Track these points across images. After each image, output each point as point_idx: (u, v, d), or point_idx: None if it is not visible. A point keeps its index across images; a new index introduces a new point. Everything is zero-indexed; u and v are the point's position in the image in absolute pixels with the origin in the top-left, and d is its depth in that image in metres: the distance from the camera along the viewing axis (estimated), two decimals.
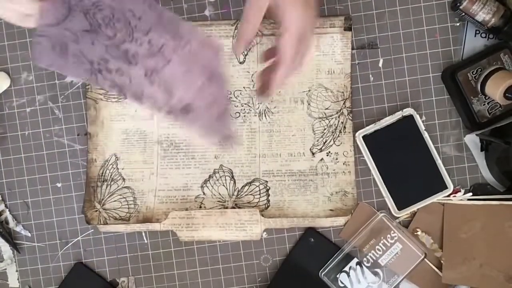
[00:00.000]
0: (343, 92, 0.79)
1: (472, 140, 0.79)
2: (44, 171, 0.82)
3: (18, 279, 0.82)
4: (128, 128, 0.81)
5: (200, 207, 0.81)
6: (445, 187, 0.79)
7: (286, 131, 0.80)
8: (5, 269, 0.82)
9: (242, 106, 0.80)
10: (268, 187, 0.80)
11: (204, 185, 0.81)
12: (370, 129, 0.79)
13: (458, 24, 0.79)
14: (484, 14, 0.75)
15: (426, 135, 0.78)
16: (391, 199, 0.79)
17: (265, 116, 0.80)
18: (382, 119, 0.78)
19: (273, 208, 0.80)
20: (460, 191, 0.80)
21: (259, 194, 0.80)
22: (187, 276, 0.82)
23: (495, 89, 0.73)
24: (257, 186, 0.80)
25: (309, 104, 0.80)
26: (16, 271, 0.82)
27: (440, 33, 0.79)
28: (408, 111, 0.78)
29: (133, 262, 0.82)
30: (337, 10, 0.80)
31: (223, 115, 0.65)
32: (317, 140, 0.80)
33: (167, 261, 0.82)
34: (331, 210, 0.80)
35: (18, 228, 0.82)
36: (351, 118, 0.79)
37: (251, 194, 0.80)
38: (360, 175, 0.80)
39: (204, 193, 0.81)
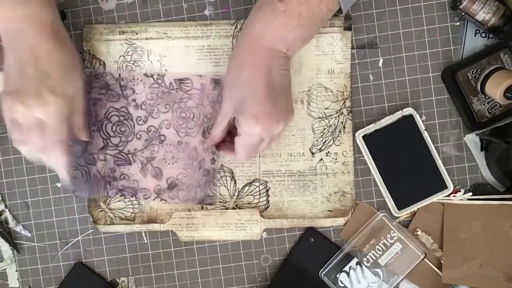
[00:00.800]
0: (343, 92, 0.79)
1: (472, 139, 0.79)
2: (44, 171, 0.82)
3: (18, 279, 0.82)
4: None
5: (203, 207, 0.81)
6: (445, 187, 0.79)
7: (286, 131, 0.80)
8: (5, 269, 0.82)
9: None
10: (268, 188, 0.80)
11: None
12: (370, 128, 0.79)
13: (458, 23, 0.79)
14: (484, 14, 0.75)
15: (426, 135, 0.78)
16: (391, 199, 0.79)
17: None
18: (382, 119, 0.78)
19: (273, 209, 0.80)
20: (460, 191, 0.80)
21: (259, 194, 0.80)
22: (187, 276, 0.82)
23: (495, 89, 0.73)
24: (257, 187, 0.80)
25: (309, 103, 0.80)
26: (16, 271, 0.82)
27: (440, 33, 0.79)
28: (408, 110, 0.78)
29: (133, 262, 0.82)
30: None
31: (206, 180, 0.80)
32: (317, 140, 0.80)
33: (167, 261, 0.82)
34: (329, 210, 0.80)
35: (18, 228, 0.82)
36: (350, 118, 0.79)
37: (251, 195, 0.80)
38: (360, 175, 0.80)
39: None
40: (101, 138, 0.80)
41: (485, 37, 0.79)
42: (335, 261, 0.79)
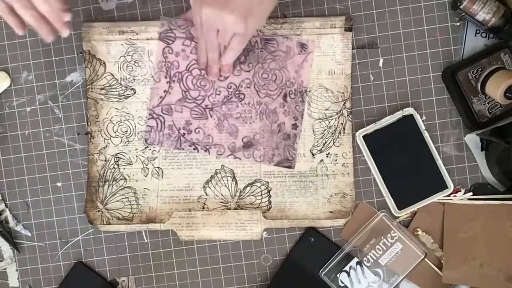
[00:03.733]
0: (343, 93, 0.79)
1: (472, 139, 0.79)
2: (44, 170, 0.82)
3: (18, 278, 0.82)
4: (129, 129, 0.81)
5: (203, 208, 0.81)
6: (445, 187, 0.79)
7: None
8: (5, 268, 0.82)
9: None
10: (269, 188, 0.80)
11: (206, 185, 0.81)
12: (370, 128, 0.79)
13: (458, 23, 0.80)
14: (485, 14, 0.75)
15: (426, 135, 0.78)
16: (391, 198, 0.79)
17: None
18: (382, 119, 0.78)
19: (275, 210, 0.80)
20: (460, 190, 0.80)
21: (261, 195, 0.80)
22: (187, 276, 0.82)
23: (495, 89, 0.73)
24: (258, 187, 0.80)
25: (309, 104, 0.80)
26: (16, 270, 0.82)
27: (440, 33, 0.80)
28: (408, 110, 0.78)
29: (133, 261, 0.82)
30: (337, 10, 0.80)
31: (285, 145, 0.79)
32: (317, 141, 0.80)
33: (167, 261, 0.82)
34: (330, 212, 0.80)
35: (18, 228, 0.82)
36: (350, 119, 0.79)
37: (252, 195, 0.80)
38: (360, 175, 0.80)
39: (206, 194, 0.81)
40: (180, 89, 0.79)
41: (486, 37, 0.79)
42: (335, 261, 0.79)
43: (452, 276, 0.79)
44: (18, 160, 0.82)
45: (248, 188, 0.80)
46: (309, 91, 0.80)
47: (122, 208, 0.81)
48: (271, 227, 0.80)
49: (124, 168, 0.81)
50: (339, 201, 0.80)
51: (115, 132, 0.81)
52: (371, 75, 0.80)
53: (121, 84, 0.80)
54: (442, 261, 0.79)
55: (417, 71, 0.80)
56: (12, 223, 0.82)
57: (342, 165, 0.80)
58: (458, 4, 0.76)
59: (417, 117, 0.78)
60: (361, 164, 0.80)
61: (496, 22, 0.75)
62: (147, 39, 0.79)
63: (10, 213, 0.82)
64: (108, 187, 0.81)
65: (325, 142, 0.80)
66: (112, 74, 0.80)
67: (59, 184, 0.82)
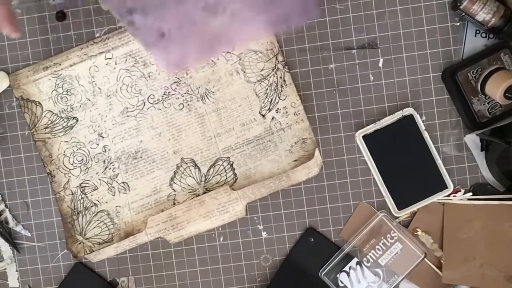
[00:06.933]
0: (272, 49, 0.80)
1: (472, 140, 0.79)
2: (44, 170, 0.82)
3: (18, 279, 0.82)
4: (85, 156, 0.81)
5: (174, 203, 0.81)
6: (445, 187, 0.79)
7: (231, 105, 0.81)
8: (5, 269, 0.82)
9: (183, 96, 0.81)
10: (231, 162, 0.81)
11: (172, 182, 0.81)
12: (370, 129, 0.79)
13: (458, 24, 0.79)
14: (484, 14, 0.75)
15: (426, 135, 0.78)
16: (391, 199, 0.79)
17: (207, 97, 0.81)
18: (382, 119, 0.78)
19: (241, 179, 0.81)
20: (460, 191, 0.80)
21: (225, 171, 0.81)
22: (187, 276, 0.82)
23: (495, 89, 0.73)
24: (221, 165, 0.81)
25: (244, 71, 0.80)
26: (16, 271, 0.82)
27: (440, 33, 0.79)
28: (408, 111, 0.78)
29: (133, 262, 0.82)
30: (337, 10, 0.80)
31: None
32: (263, 102, 0.81)
33: (167, 261, 0.82)
34: (295, 160, 0.81)
35: (18, 228, 0.82)
36: (287, 70, 0.80)
37: (218, 174, 0.81)
38: (360, 175, 0.80)
39: (174, 190, 0.81)
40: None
41: (485, 37, 0.79)
42: (335, 261, 0.79)
43: (452, 276, 0.79)
44: (18, 161, 0.82)
45: (212, 169, 0.81)
46: (240, 59, 0.80)
47: (100, 233, 0.81)
48: (252, 201, 0.80)
49: (91, 195, 0.81)
50: (301, 147, 0.81)
51: (72, 164, 0.81)
52: (371, 75, 0.80)
53: (61, 117, 0.81)
54: (442, 261, 0.79)
55: (417, 71, 0.80)
56: (12, 223, 0.82)
57: (294, 114, 0.80)
58: (458, 4, 0.76)
59: (417, 117, 0.78)
60: (361, 164, 0.80)
61: (496, 22, 0.75)
62: (71, 65, 0.80)
63: (10, 213, 0.82)
64: (82, 218, 0.81)
65: (271, 100, 0.80)
66: (51, 111, 0.81)
67: None
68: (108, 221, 0.81)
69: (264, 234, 0.81)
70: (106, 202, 0.81)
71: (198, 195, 0.81)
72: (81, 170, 0.81)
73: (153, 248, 0.82)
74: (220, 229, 0.81)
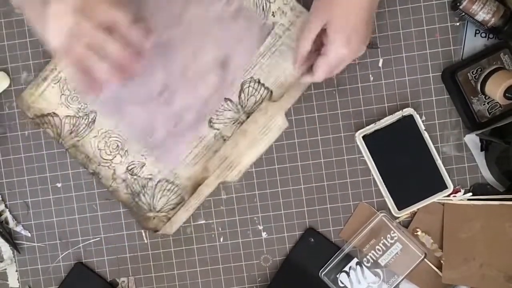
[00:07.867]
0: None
1: (472, 140, 0.79)
2: (44, 171, 0.82)
3: (18, 279, 0.82)
4: (118, 142, 0.81)
5: (224, 139, 0.80)
6: (445, 187, 0.79)
7: None
8: (5, 269, 0.82)
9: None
10: (257, 79, 0.80)
11: (212, 123, 0.80)
12: (370, 129, 0.79)
13: (458, 23, 0.79)
14: (484, 14, 0.75)
15: (426, 135, 0.78)
16: (391, 199, 0.79)
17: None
18: (382, 119, 0.78)
19: (275, 89, 0.80)
20: (460, 191, 0.80)
21: (256, 90, 0.80)
22: (187, 276, 0.82)
23: (495, 89, 0.73)
24: (248, 86, 0.80)
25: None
26: (16, 271, 0.82)
27: (440, 33, 0.79)
28: (408, 111, 0.78)
29: (133, 262, 0.82)
30: None
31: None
32: (258, 14, 0.79)
33: (167, 261, 0.82)
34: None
35: (18, 228, 0.82)
36: None
37: (252, 96, 0.80)
38: (360, 175, 0.80)
39: (217, 129, 0.80)
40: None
41: (485, 37, 0.79)
42: (335, 261, 0.79)
43: (452, 276, 0.79)
44: (18, 161, 0.82)
45: (242, 94, 0.80)
46: None
47: (168, 201, 0.81)
48: (287, 108, 0.79)
49: (142, 172, 0.81)
50: None
51: (110, 154, 0.81)
52: (370, 76, 0.80)
53: (80, 116, 0.80)
54: (442, 262, 0.79)
55: (416, 71, 0.80)
56: (12, 223, 0.82)
57: (290, 10, 0.79)
58: (458, 4, 0.76)
59: (416, 117, 0.78)
60: (361, 164, 0.80)
61: (495, 22, 0.75)
62: (65, 65, 0.78)
63: (10, 213, 0.82)
64: (145, 196, 0.81)
65: (263, 7, 0.79)
66: (68, 115, 0.80)
67: (59, 185, 0.82)
68: (170, 186, 0.81)
69: (264, 234, 0.81)
70: (159, 172, 0.80)
71: (243, 122, 0.80)
72: (121, 156, 0.81)
73: (153, 248, 0.82)
74: (220, 229, 0.81)
